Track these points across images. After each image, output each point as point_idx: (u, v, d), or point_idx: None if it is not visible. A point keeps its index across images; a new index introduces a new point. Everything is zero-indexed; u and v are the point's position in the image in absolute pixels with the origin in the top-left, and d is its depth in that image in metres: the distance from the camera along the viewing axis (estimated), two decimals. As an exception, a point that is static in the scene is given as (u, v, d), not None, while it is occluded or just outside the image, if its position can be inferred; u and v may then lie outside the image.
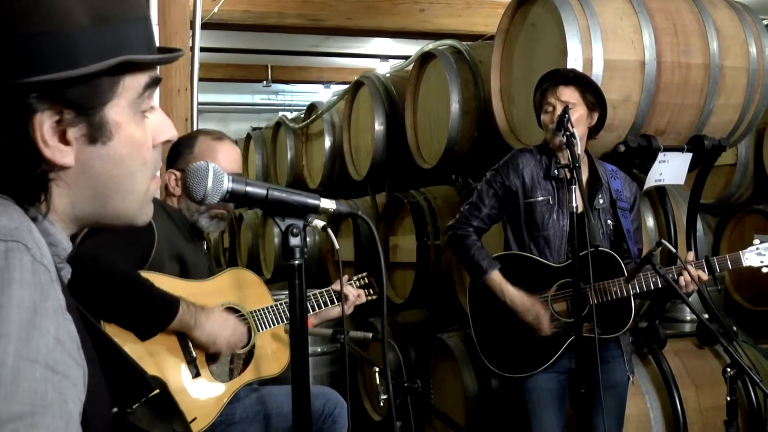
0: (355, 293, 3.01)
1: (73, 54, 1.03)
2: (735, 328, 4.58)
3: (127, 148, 1.10)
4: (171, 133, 1.17)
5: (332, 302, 2.99)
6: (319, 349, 4.75)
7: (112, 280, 2.40)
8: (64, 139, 1.06)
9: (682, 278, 3.07)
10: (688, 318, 4.89)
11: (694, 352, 4.28)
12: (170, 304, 2.50)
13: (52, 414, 0.94)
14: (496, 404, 4.31)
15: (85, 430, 1.05)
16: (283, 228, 1.45)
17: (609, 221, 3.29)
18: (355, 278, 3.18)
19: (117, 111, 1.09)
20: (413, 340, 5.21)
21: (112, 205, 1.13)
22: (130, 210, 1.15)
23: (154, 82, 1.14)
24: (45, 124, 1.04)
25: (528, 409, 3.28)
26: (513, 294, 3.25)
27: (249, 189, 1.46)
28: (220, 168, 1.46)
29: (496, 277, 3.27)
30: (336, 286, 3.03)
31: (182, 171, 2.80)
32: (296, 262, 1.45)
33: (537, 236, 3.26)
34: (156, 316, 2.50)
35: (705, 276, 3.10)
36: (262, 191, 1.47)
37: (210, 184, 1.43)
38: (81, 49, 1.04)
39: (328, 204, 1.48)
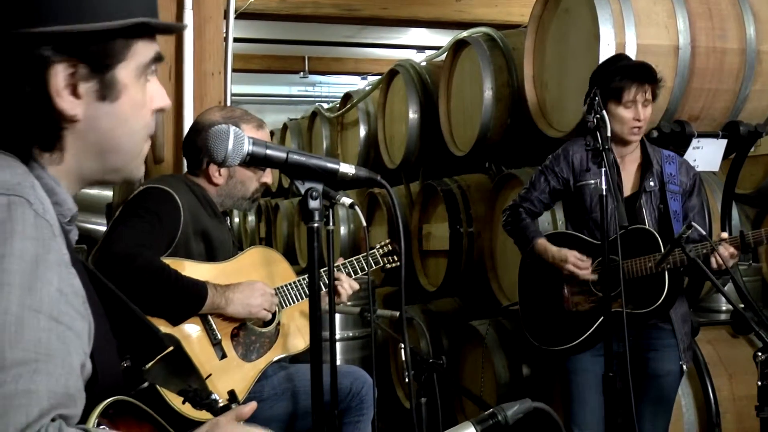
0: (347, 282, 2.97)
1: (88, 9, 1.08)
2: (772, 318, 4.51)
3: (132, 109, 1.17)
4: (165, 102, 1.24)
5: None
6: (350, 333, 4.77)
7: (148, 276, 2.47)
8: (75, 93, 1.11)
9: (714, 257, 3.05)
10: (724, 308, 4.82)
11: (728, 341, 4.23)
12: (199, 291, 2.58)
13: (55, 363, 0.98)
14: (528, 392, 4.31)
15: (94, 380, 1.09)
16: (303, 191, 1.47)
17: (660, 205, 3.35)
18: (378, 246, 3.23)
19: (126, 73, 1.15)
20: (446, 328, 5.22)
21: (112, 162, 1.19)
22: (127, 168, 1.22)
23: (159, 58, 1.21)
24: (59, 75, 1.09)
25: (571, 391, 3.37)
26: (554, 250, 3.39)
27: (269, 152, 1.48)
28: (241, 131, 1.49)
29: (541, 241, 3.45)
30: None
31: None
32: (315, 224, 1.47)
33: (587, 219, 3.38)
34: (188, 304, 2.58)
35: (735, 252, 3.08)
36: (282, 154, 1.48)
37: (231, 145, 1.45)
38: (96, 5, 1.09)
39: (347, 168, 1.50)
